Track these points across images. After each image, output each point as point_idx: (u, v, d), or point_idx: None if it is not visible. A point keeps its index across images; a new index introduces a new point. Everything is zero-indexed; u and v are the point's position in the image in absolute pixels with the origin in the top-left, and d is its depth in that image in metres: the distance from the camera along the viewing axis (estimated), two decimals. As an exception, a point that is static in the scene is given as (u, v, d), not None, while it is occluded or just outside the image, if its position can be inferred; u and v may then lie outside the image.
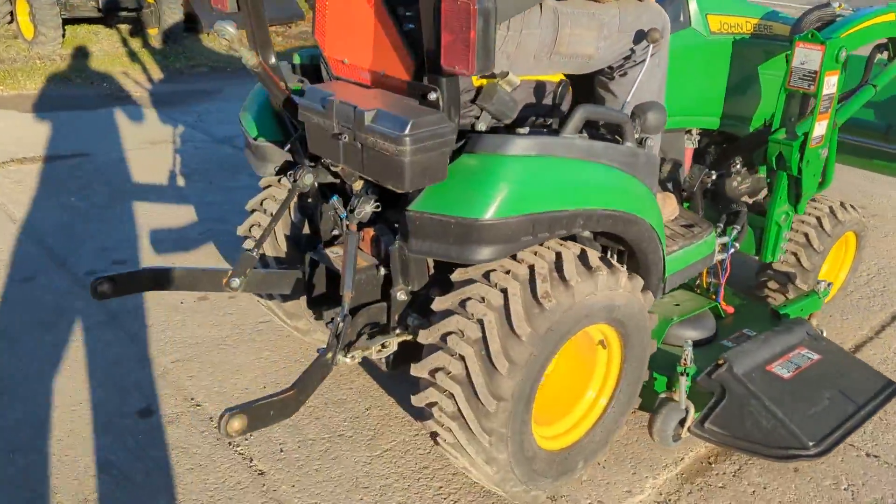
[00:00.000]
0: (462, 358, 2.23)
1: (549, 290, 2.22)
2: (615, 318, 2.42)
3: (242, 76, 8.17)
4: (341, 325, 2.30)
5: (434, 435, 2.43)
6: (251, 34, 2.63)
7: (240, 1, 2.55)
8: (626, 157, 2.38)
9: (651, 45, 2.50)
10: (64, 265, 3.98)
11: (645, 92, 2.59)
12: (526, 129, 2.24)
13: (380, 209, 2.46)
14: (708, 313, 3.09)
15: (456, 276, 2.38)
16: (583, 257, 2.34)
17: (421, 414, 2.47)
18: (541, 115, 2.55)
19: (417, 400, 2.41)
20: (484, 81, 2.24)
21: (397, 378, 3.02)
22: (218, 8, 2.62)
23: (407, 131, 1.82)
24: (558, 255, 2.31)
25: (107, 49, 9.09)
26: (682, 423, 2.65)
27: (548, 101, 2.55)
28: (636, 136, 2.40)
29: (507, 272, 2.28)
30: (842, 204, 3.53)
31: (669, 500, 2.58)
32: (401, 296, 2.53)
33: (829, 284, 3.28)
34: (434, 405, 2.35)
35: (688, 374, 2.61)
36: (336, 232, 2.81)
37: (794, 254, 3.38)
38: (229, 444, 2.75)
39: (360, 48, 2.40)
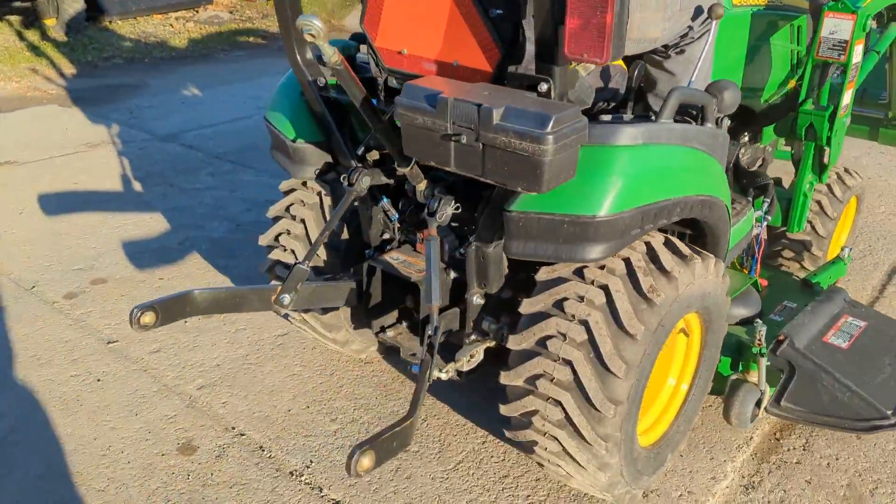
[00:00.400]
0: (568, 362, 2.12)
1: (654, 283, 2.13)
2: (705, 306, 2.36)
3: (164, 69, 7.66)
4: (432, 338, 2.13)
5: (530, 445, 2.31)
6: (287, 29, 2.40)
7: None
8: (709, 138, 2.30)
9: (715, 21, 2.43)
10: (35, 290, 3.59)
11: (702, 69, 2.53)
12: (608, 116, 2.12)
13: (460, 210, 2.30)
14: (752, 289, 3.09)
15: (542, 275, 2.25)
16: (671, 246, 2.26)
17: (510, 423, 2.35)
18: (605, 99, 2.45)
19: (510, 409, 2.28)
20: None
21: (441, 384, 2.87)
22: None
23: (549, 128, 1.67)
24: (648, 245, 2.22)
25: (2, 44, 8.31)
26: (758, 403, 2.63)
27: (613, 85, 2.44)
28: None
29: (602, 267, 2.17)
30: (846, 170, 3.60)
31: (753, 483, 2.57)
32: (477, 300, 2.38)
33: (850, 250, 3.35)
34: (534, 414, 2.22)
35: (763, 354, 2.59)
36: (387, 236, 2.62)
37: (810, 222, 3.43)
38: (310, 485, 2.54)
39: (426, 37, 2.21)
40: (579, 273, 2.19)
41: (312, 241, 2.72)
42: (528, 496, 2.49)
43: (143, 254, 3.92)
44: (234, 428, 2.75)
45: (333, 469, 2.57)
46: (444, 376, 2.25)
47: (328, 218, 2.72)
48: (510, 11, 2.01)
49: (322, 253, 2.73)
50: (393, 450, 1.91)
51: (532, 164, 1.71)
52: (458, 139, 1.80)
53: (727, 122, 2.39)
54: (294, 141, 2.57)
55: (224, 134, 5.72)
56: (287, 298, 2.38)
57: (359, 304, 2.61)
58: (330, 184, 2.71)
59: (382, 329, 2.63)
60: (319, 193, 2.77)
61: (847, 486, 2.56)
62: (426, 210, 2.26)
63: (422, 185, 2.38)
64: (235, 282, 3.68)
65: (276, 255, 2.83)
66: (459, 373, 2.47)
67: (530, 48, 2.07)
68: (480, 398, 2.84)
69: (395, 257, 2.50)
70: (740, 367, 2.71)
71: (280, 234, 2.82)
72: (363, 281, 2.53)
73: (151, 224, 4.24)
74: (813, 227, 3.43)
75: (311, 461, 2.59)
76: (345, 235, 2.73)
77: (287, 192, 2.87)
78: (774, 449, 2.72)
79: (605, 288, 2.14)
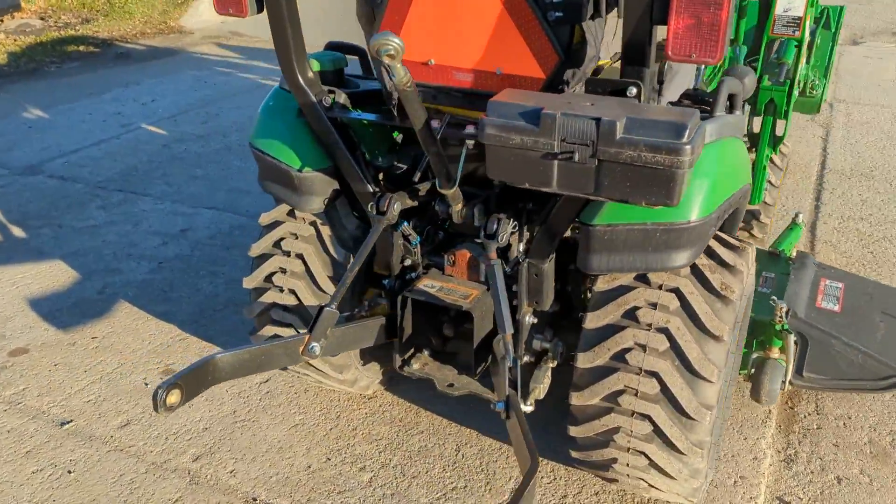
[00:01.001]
0: (654, 374, 2.04)
1: (723, 279, 2.09)
2: (748, 292, 2.37)
3: (-10, 88, 6.72)
4: (513, 371, 1.97)
5: (608, 463, 2.22)
6: (284, 43, 2.11)
7: (270, 4, 2.02)
8: (741, 125, 2.29)
9: None
10: (-61, 374, 3.01)
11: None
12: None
13: (517, 231, 2.13)
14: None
15: (602, 284, 2.15)
16: (721, 240, 2.23)
17: (576, 444, 2.25)
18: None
19: (584, 430, 2.19)
20: None
21: (445, 407, 2.73)
22: (232, 12, 2.07)
23: (686, 138, 1.55)
24: (700, 243, 2.18)
25: None
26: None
27: None
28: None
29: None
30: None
31: (790, 456, 2.63)
32: (529, 319, 2.25)
33: (802, 214, 3.52)
34: (615, 432, 2.13)
35: (788, 330, 2.64)
36: (408, 262, 2.40)
37: (759, 192, 3.57)
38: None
39: (460, 46, 2.03)
40: (642, 279, 2.11)
41: (316, 278, 2.46)
42: (596, 513, 2.41)
43: (59, 311, 3.39)
44: (255, 499, 2.43)
45: (387, 524, 2.34)
46: (529, 409, 2.09)
47: (331, 250, 2.46)
48: (571, 15, 1.87)
49: (326, 287, 2.46)
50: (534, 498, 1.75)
51: (666, 176, 1.59)
52: (567, 157, 1.64)
53: (748, 108, 2.39)
54: (301, 170, 2.28)
55: (96, 159, 5.10)
56: (318, 348, 2.13)
57: (388, 341, 2.39)
58: (327, 212, 2.45)
59: (405, 363, 2.42)
60: (314, 224, 2.49)
61: (869, 442, 2.68)
62: (482, 233, 2.09)
63: (458, 206, 2.19)
64: (184, 327, 3.28)
65: (270, 297, 2.53)
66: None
67: (591, 51, 1.94)
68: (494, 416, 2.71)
69: (430, 285, 2.29)
70: (755, 345, 2.76)
71: (273, 274, 2.52)
72: (398, 315, 2.30)
73: (54, 274, 3.69)
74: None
75: (359, 520, 2.35)
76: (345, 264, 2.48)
77: (270, 227, 2.56)
78: (793, 418, 2.81)
79: (675, 291, 2.07)
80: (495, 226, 2.06)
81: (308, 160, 2.29)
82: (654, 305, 2.08)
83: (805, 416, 2.81)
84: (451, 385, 2.37)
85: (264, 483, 2.49)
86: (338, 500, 2.43)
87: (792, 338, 2.65)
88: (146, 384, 2.94)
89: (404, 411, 2.80)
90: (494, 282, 2.04)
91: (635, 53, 1.74)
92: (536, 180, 1.71)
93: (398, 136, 2.57)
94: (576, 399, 2.17)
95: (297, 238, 2.50)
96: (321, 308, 2.16)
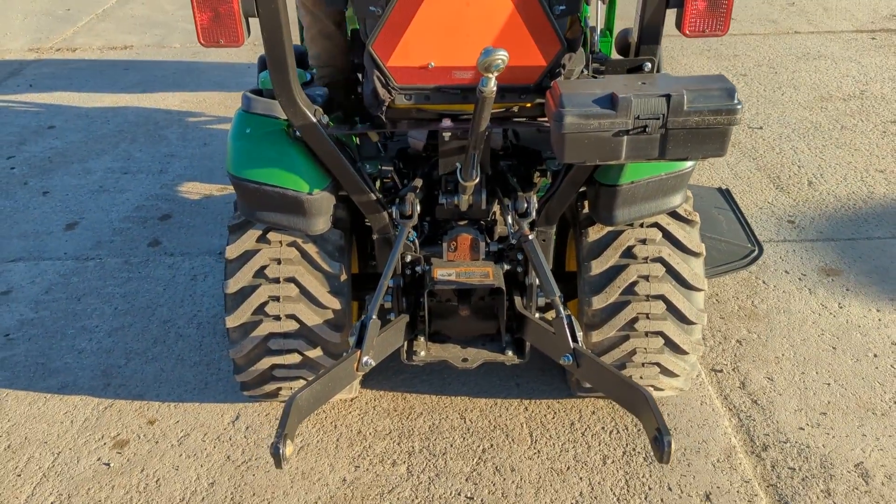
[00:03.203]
0: (660, 296, 2.45)
1: (685, 207, 2.54)
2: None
3: None
4: (572, 326, 2.23)
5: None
6: (282, 66, 2.06)
7: (265, 19, 1.96)
8: None
9: None
10: None
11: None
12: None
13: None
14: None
15: (592, 236, 2.48)
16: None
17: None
18: None
19: (605, 360, 2.51)
20: None
21: (430, 382, 2.93)
22: (224, 43, 1.98)
23: (737, 99, 1.91)
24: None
25: None
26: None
27: None
28: None
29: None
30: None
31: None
32: (534, 281, 2.50)
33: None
34: (633, 354, 2.51)
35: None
36: (408, 258, 2.49)
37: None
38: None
39: (463, 46, 2.16)
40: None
41: (317, 297, 2.44)
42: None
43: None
44: (318, 528, 2.40)
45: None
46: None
47: (323, 266, 2.45)
48: (571, 6, 2.12)
49: (328, 303, 2.46)
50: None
51: (722, 133, 1.94)
52: (639, 132, 1.91)
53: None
54: (311, 193, 2.23)
55: None
56: (371, 360, 2.22)
57: (412, 335, 2.48)
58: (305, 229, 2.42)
59: (411, 353, 2.54)
60: (294, 244, 2.45)
61: (740, 308, 3.40)
62: (515, 212, 2.29)
63: (470, 184, 2.33)
64: (98, 392, 2.93)
65: (266, 328, 2.46)
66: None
67: (592, 37, 2.21)
68: (471, 377, 2.96)
69: (447, 273, 2.42)
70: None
71: (264, 305, 2.43)
72: (425, 307, 2.40)
73: None
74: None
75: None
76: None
77: (241, 259, 2.45)
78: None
79: (656, 225, 2.48)
80: (525, 205, 2.28)
81: (313, 182, 2.26)
82: (643, 241, 2.47)
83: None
84: (465, 360, 2.54)
85: (314, 511, 2.46)
86: (390, 499, 2.50)
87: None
88: (107, 464, 2.62)
89: (392, 401, 2.89)
90: (536, 254, 2.26)
91: (651, 34, 2.05)
92: (608, 156, 1.96)
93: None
94: (595, 336, 2.50)
95: (281, 262, 2.43)
96: (362, 322, 2.21)
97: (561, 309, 2.24)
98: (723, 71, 5.81)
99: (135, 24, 7.40)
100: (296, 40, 2.45)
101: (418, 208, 2.33)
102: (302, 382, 2.57)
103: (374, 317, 2.22)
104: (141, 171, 4.65)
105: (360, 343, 2.19)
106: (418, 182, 2.46)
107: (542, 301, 2.58)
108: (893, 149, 4.62)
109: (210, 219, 4.13)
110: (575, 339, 2.22)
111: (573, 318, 2.24)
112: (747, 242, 3.44)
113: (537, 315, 2.55)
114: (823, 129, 4.89)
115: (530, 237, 2.29)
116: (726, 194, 3.84)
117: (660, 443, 1.88)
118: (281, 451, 1.87)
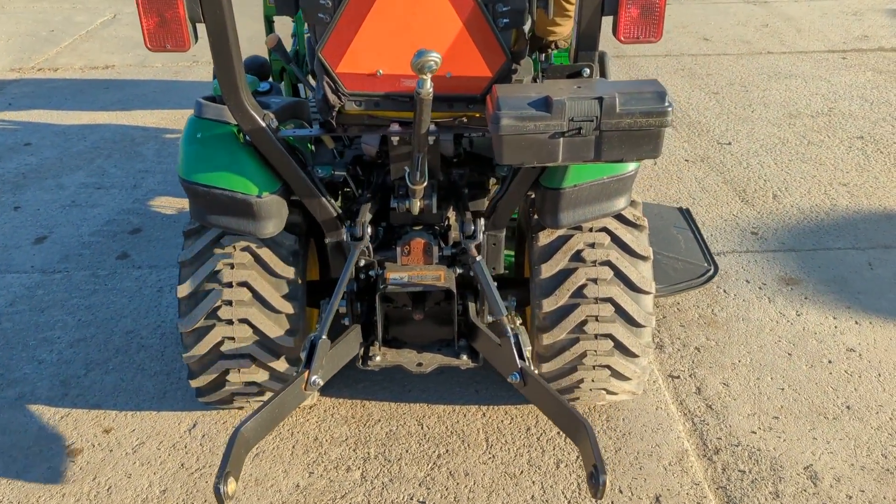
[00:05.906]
0: (608, 299, 2.47)
1: (634, 212, 2.57)
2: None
3: None
4: (519, 346, 2.27)
5: (575, 385, 2.61)
6: (229, 70, 2.09)
7: (211, 24, 2.00)
8: None
9: None
10: None
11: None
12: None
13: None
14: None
15: (542, 239, 2.51)
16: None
17: (548, 379, 2.60)
18: None
19: (556, 363, 2.55)
20: None
21: (388, 389, 2.95)
22: (171, 47, 2.01)
23: (668, 102, 1.95)
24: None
25: None
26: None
27: None
28: None
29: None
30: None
31: (658, 344, 3.27)
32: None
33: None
34: (584, 356, 2.53)
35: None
36: (362, 262, 2.52)
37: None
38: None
39: (412, 55, 2.19)
40: (575, 227, 2.50)
41: (269, 301, 2.45)
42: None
43: None
44: (268, 532, 2.40)
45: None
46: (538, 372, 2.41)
47: (276, 270, 2.47)
48: (515, 20, 2.17)
49: (281, 308, 2.47)
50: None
51: (655, 135, 1.98)
52: (574, 134, 1.95)
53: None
54: (260, 196, 2.26)
55: None
56: (319, 380, 2.26)
57: (365, 343, 2.51)
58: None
59: (366, 358, 2.56)
60: (247, 249, 2.48)
61: (700, 317, 3.43)
62: (462, 234, 2.36)
63: (420, 187, 2.36)
64: (56, 402, 2.93)
65: (219, 333, 2.48)
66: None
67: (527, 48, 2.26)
68: (427, 383, 2.98)
69: (399, 277, 2.45)
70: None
71: (217, 309, 2.45)
72: (378, 312, 2.43)
73: None
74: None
75: None
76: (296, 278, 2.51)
77: (193, 262, 2.47)
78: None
79: (605, 230, 2.51)
80: (472, 227, 2.33)
81: (262, 185, 2.29)
82: (591, 245, 2.50)
83: (650, 312, 3.48)
84: (420, 364, 2.56)
85: (266, 515, 2.46)
86: (344, 504, 2.51)
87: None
88: (58, 473, 2.62)
89: (351, 408, 2.90)
90: (483, 276, 2.31)
91: (588, 41, 2.09)
92: (545, 158, 2.00)
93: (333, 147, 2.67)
94: (546, 339, 2.52)
95: (234, 267, 2.46)
96: (312, 342, 2.24)
97: (508, 328, 2.28)
98: (696, 90, 5.90)
99: (118, 45, 7.46)
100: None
101: (369, 230, 2.38)
102: (255, 388, 2.58)
103: (323, 336, 2.25)
104: (114, 187, 4.68)
105: (308, 363, 2.22)
106: (366, 206, 2.48)
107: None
108: (857, 163, 4.68)
109: (180, 232, 4.14)
110: (522, 358, 2.25)
111: (521, 337, 2.28)
112: (703, 261, 3.48)
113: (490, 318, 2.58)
114: (791, 144, 4.96)
115: (478, 258, 2.34)
116: (686, 214, 3.89)
117: (595, 480, 1.89)
118: (222, 491, 1.87)
